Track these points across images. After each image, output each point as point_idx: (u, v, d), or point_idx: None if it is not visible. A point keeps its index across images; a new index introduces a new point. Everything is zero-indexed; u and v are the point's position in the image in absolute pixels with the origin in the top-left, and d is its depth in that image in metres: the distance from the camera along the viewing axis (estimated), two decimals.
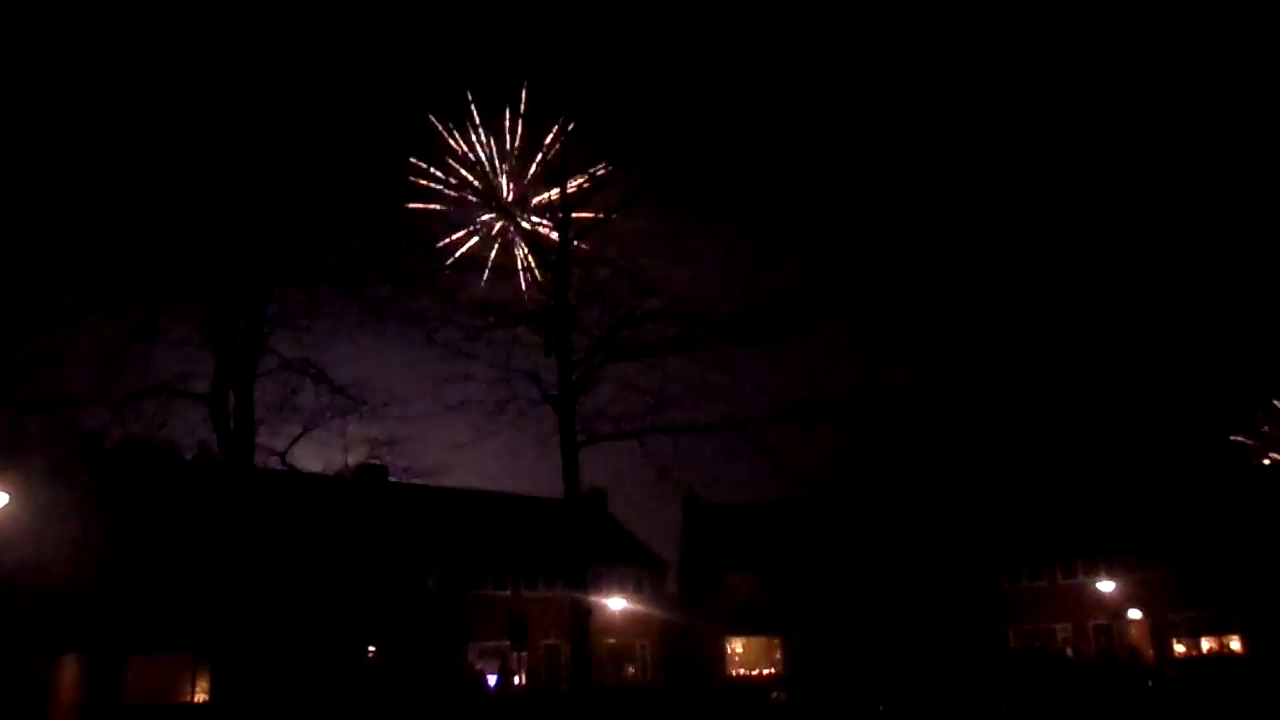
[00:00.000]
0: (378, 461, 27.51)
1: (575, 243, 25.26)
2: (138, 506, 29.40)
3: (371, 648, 34.45)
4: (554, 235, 25.21)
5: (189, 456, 25.28)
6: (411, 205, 24.94)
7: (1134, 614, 39.14)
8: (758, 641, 43.75)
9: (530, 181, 25.72)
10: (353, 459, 24.15)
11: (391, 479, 33.27)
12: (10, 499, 10.46)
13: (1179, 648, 39.28)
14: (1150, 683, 31.92)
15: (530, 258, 25.51)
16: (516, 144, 25.58)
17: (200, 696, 29.88)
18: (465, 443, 25.96)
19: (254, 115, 21.13)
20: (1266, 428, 54.76)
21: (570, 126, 24.70)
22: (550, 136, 25.04)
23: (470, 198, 25.90)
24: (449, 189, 25.39)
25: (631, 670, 41.83)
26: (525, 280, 25.68)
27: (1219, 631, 39.16)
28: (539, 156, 25.38)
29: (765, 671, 42.82)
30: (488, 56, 24.06)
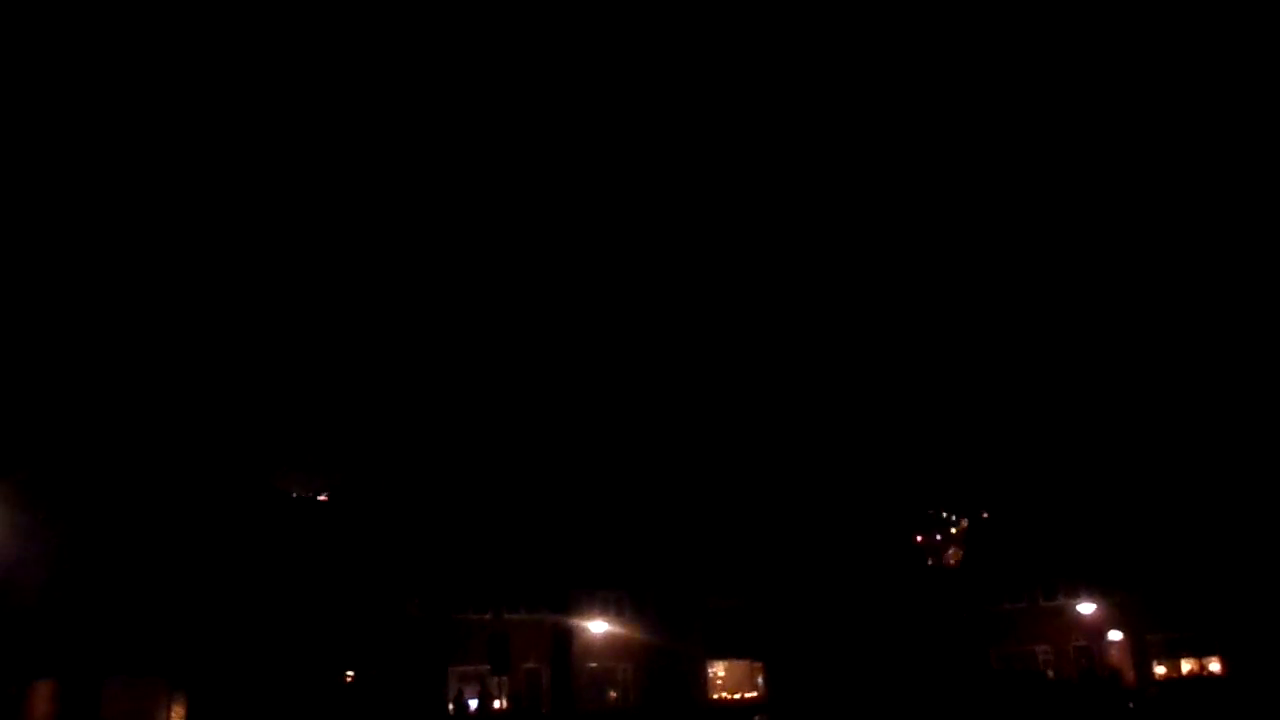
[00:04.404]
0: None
1: None
2: (112, 530, 29.07)
3: (350, 671, 34.09)
4: None
5: (167, 479, 25.19)
6: None
7: (1114, 635, 39.24)
8: (739, 665, 43.52)
9: None
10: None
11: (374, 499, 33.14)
12: None
13: (1159, 669, 39.34)
14: (1131, 704, 31.98)
15: None
16: None
17: None
18: None
19: None
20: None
21: None
22: None
23: None
24: None
25: (613, 694, 41.52)
26: None
27: (1198, 652, 39.22)
28: None
29: (747, 695, 42.62)
30: None
